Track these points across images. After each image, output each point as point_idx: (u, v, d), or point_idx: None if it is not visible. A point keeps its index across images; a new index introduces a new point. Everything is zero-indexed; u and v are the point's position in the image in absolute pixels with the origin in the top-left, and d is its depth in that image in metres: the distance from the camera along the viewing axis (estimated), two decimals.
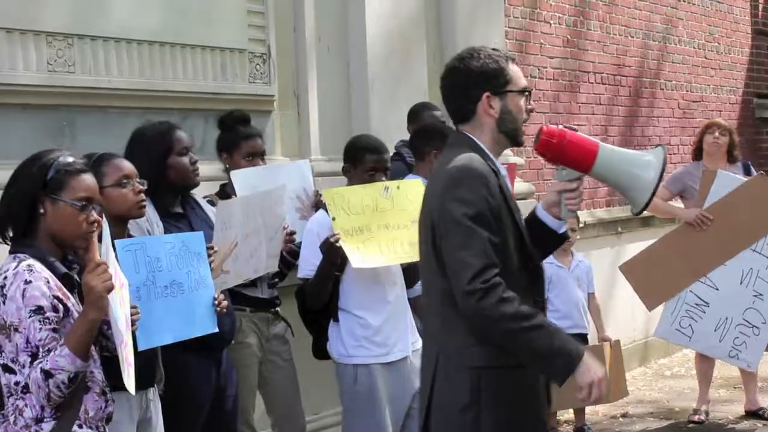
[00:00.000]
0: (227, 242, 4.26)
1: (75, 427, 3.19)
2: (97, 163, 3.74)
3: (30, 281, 3.13)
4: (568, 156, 3.47)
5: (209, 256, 4.01)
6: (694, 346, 7.04)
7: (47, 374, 3.07)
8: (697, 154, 7.27)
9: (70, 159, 3.32)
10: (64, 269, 3.27)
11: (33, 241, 3.26)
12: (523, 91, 3.44)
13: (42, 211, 3.25)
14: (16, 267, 3.16)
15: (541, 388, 3.44)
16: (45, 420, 3.15)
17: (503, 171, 3.47)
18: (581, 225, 7.19)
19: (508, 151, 7.63)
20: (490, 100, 3.39)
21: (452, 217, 3.24)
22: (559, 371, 3.25)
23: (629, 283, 6.93)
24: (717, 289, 6.74)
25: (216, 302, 3.95)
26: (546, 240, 3.56)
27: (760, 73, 12.30)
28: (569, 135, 3.46)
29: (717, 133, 7.13)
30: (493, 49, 3.49)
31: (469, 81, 3.41)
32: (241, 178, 4.73)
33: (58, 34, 4.97)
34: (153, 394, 3.90)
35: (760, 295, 6.74)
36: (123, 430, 3.70)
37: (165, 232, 4.13)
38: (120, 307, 3.27)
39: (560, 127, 3.49)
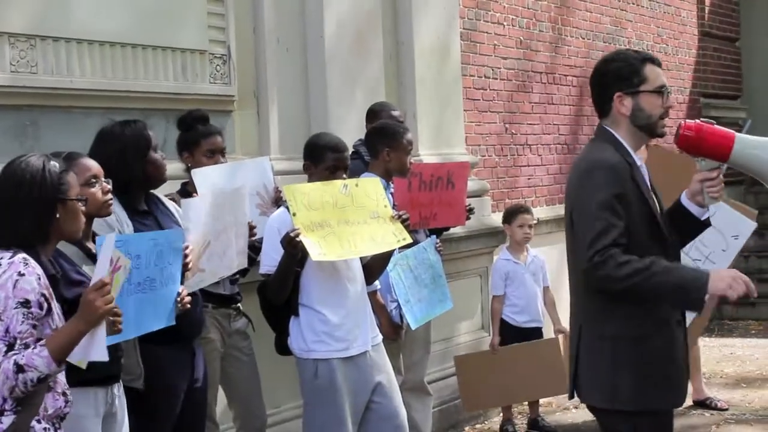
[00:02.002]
0: (200, 240, 4.31)
1: (33, 422, 3.23)
2: (65, 163, 3.79)
3: (23, 274, 3.19)
4: (706, 147, 3.78)
5: (186, 256, 4.07)
6: None
7: (20, 368, 3.12)
8: None
9: (55, 160, 3.42)
10: (53, 270, 3.35)
11: (43, 245, 3.34)
12: (658, 91, 3.79)
13: (58, 215, 3.35)
14: (11, 257, 3.23)
15: (677, 351, 3.82)
16: (5, 413, 3.19)
17: (639, 162, 3.83)
18: (534, 221, 7.32)
19: (463, 149, 7.78)
20: (622, 99, 3.80)
21: (582, 204, 3.72)
22: (693, 301, 3.58)
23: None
24: None
25: (179, 298, 3.98)
26: (690, 226, 3.96)
27: (706, 73, 12.55)
28: (706, 128, 3.78)
29: None
30: (635, 51, 3.93)
31: (605, 81, 3.86)
32: (201, 175, 4.74)
33: (20, 35, 5.00)
34: (118, 389, 3.93)
35: None
36: (88, 424, 3.74)
37: (135, 231, 4.17)
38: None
39: (697, 121, 3.82)
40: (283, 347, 4.94)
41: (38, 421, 3.26)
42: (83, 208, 3.45)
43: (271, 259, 4.71)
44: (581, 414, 7.37)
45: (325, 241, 4.62)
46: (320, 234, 4.62)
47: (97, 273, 3.25)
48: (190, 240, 4.20)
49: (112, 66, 5.43)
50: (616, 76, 3.84)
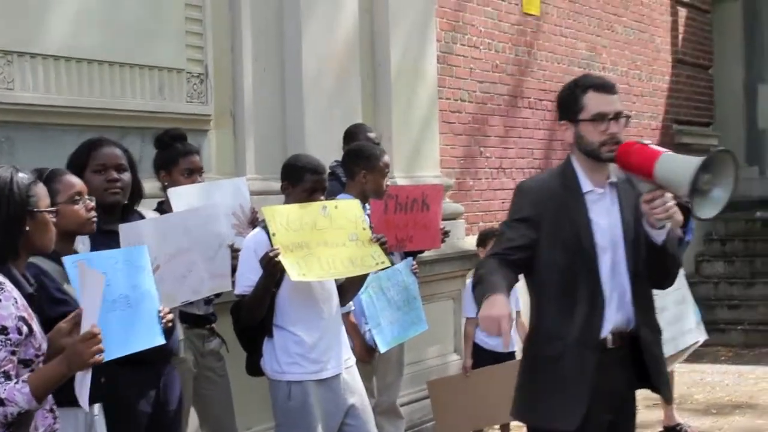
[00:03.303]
0: None
1: None
2: (48, 179, 3.73)
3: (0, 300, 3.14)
4: (633, 165, 3.72)
5: None
6: None
7: (0, 402, 3.07)
8: None
9: (24, 172, 3.36)
10: (30, 289, 3.29)
11: (14, 260, 3.27)
12: (594, 119, 3.81)
13: (27, 228, 3.28)
14: None
15: (583, 375, 3.83)
16: None
17: (586, 188, 3.87)
18: None
19: (438, 172, 7.80)
20: (566, 128, 3.93)
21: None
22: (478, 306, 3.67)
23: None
24: None
25: (161, 314, 3.86)
26: (653, 253, 3.86)
27: (679, 100, 12.66)
28: (636, 147, 3.72)
29: None
30: (586, 78, 4.00)
31: (558, 111, 4.00)
32: (178, 195, 4.72)
33: None
34: (98, 410, 3.91)
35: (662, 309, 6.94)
36: None
37: (92, 250, 4.07)
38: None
39: (639, 141, 3.76)
40: (254, 368, 4.92)
41: None
42: (54, 219, 3.39)
43: (246, 280, 4.69)
44: None
45: (305, 261, 4.61)
46: (299, 255, 4.61)
47: (87, 313, 3.19)
48: None
49: (89, 83, 5.41)
50: (560, 105, 3.97)
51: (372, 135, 6.22)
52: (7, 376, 3.13)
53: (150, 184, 5.02)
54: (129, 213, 4.36)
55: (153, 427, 4.32)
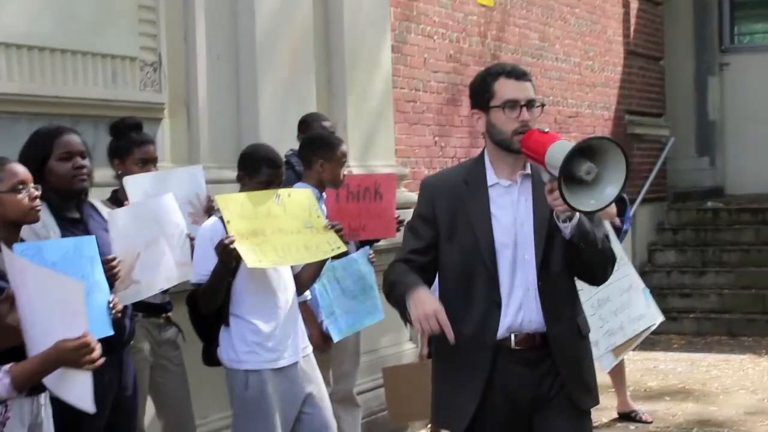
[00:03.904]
0: (130, 251, 4.24)
1: None
2: None
3: None
4: (531, 153, 3.56)
5: (114, 267, 4.01)
6: None
7: None
8: None
9: None
10: None
11: None
12: (504, 106, 3.65)
13: None
14: None
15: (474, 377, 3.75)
16: None
17: (491, 181, 3.73)
18: None
19: (393, 161, 7.80)
20: (477, 116, 3.76)
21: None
22: (408, 318, 3.64)
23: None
24: None
25: (111, 305, 3.87)
26: (569, 249, 3.65)
27: (631, 91, 12.75)
28: (535, 134, 3.57)
29: None
30: (495, 65, 3.83)
31: (470, 99, 3.83)
32: (133, 183, 4.70)
33: None
34: (44, 399, 3.87)
35: (606, 300, 7.00)
36: None
37: (62, 237, 4.08)
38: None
39: (541, 129, 3.60)
40: (210, 358, 4.90)
41: None
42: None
43: (202, 268, 4.65)
44: None
45: (260, 248, 4.60)
46: (255, 242, 4.60)
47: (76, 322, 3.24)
48: (116, 251, 4.14)
49: (41, 71, 5.35)
50: (472, 93, 3.82)
51: (327, 124, 6.21)
52: None
53: (102, 173, 4.99)
54: (81, 202, 4.34)
55: (113, 413, 4.33)
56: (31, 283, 3.37)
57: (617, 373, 7.49)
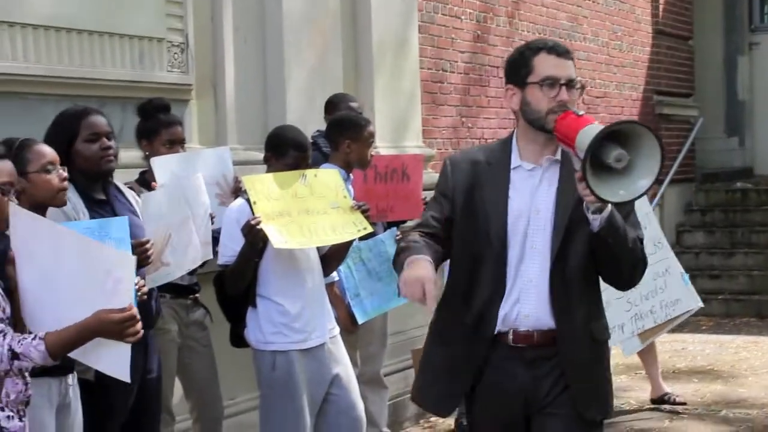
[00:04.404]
0: (161, 234, 4.25)
1: None
2: (20, 149, 3.71)
3: None
4: (562, 137, 3.31)
5: (147, 250, 4.01)
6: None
7: (15, 355, 3.12)
8: None
9: None
10: None
11: None
12: (543, 83, 3.39)
13: None
14: None
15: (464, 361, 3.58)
16: None
17: (516, 163, 3.50)
18: None
19: (420, 142, 7.78)
20: (512, 93, 3.50)
21: None
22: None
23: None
24: None
25: (136, 287, 3.81)
26: (595, 244, 3.38)
27: (659, 71, 12.65)
28: (570, 117, 3.31)
29: None
30: (536, 40, 3.58)
31: (505, 75, 3.58)
32: (161, 164, 4.72)
33: None
34: (72, 380, 3.88)
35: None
36: (43, 415, 3.69)
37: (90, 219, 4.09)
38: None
39: (576, 112, 3.35)
40: (238, 339, 4.91)
41: (1, 409, 3.23)
42: (5, 198, 3.33)
43: (229, 250, 4.67)
44: None
45: (286, 229, 4.60)
46: (281, 223, 4.60)
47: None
48: (149, 233, 4.15)
49: (69, 52, 5.36)
50: (508, 68, 3.56)
51: (354, 104, 6.19)
52: (4, 322, 3.17)
53: (130, 154, 5.00)
54: (108, 183, 4.35)
55: (138, 395, 4.34)
56: (67, 251, 3.34)
57: (649, 357, 7.39)
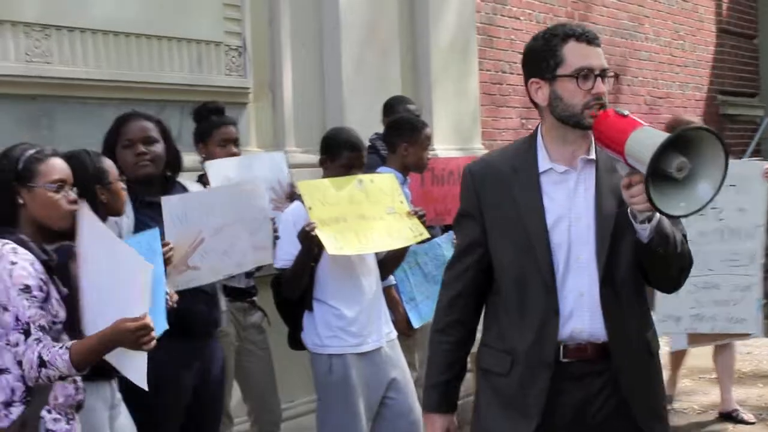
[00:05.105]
0: (187, 238, 4.20)
1: (44, 412, 3.23)
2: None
3: (15, 262, 3.18)
4: (605, 140, 2.96)
5: (165, 253, 3.94)
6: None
7: (43, 363, 3.14)
8: None
9: (36, 149, 3.38)
10: (44, 256, 3.30)
11: (15, 229, 3.30)
12: (577, 75, 3.04)
13: (21, 201, 3.31)
14: (0, 249, 3.21)
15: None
16: (14, 404, 3.20)
17: (543, 166, 3.13)
18: None
19: (479, 144, 7.73)
20: (539, 86, 3.11)
21: None
22: None
23: None
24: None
25: (167, 296, 3.80)
26: (643, 253, 3.05)
27: (723, 70, 12.49)
28: (612, 116, 2.96)
29: None
30: (560, 26, 3.15)
31: (524, 66, 3.20)
32: (215, 169, 4.72)
33: (35, 24, 4.98)
34: (115, 382, 3.90)
35: (713, 286, 6.69)
36: (99, 416, 3.74)
37: (137, 222, 4.13)
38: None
39: (616, 110, 3.00)
40: (296, 341, 4.91)
41: (48, 411, 3.26)
42: (56, 196, 3.36)
43: (286, 254, 4.67)
44: None
45: (342, 235, 4.59)
46: (336, 228, 4.59)
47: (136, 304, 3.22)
48: (169, 237, 4.05)
49: (128, 56, 5.41)
50: (530, 59, 3.15)
51: (412, 107, 6.17)
52: (44, 330, 3.18)
53: (190, 158, 5.02)
54: (170, 185, 4.38)
55: (196, 399, 4.36)
56: (103, 252, 3.35)
57: (726, 366, 7.16)
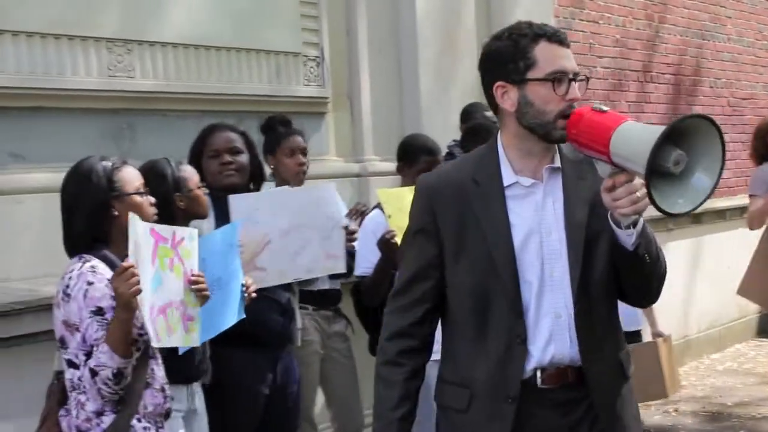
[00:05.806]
0: (255, 238, 4.20)
1: (134, 421, 3.28)
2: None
3: (92, 282, 3.23)
4: (584, 141, 2.64)
5: None
6: None
7: (93, 372, 3.18)
8: (761, 156, 6.63)
9: (109, 159, 3.43)
10: None
11: (105, 244, 3.35)
12: (551, 78, 2.74)
13: (116, 213, 3.35)
14: (80, 267, 3.26)
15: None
16: (105, 413, 3.24)
17: (508, 180, 2.83)
18: None
19: None
20: (503, 90, 2.80)
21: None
22: None
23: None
24: None
25: (244, 289, 3.81)
26: (627, 263, 2.76)
27: None
28: (588, 115, 2.63)
29: None
30: (526, 24, 2.82)
31: (486, 68, 2.86)
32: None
33: (117, 40, 5.08)
34: (197, 386, 3.97)
35: None
36: (174, 422, 3.72)
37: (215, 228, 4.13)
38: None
39: (596, 107, 2.66)
40: (376, 348, 4.90)
41: (138, 420, 3.30)
42: (142, 200, 3.42)
43: (366, 261, 4.69)
44: (681, 418, 7.23)
45: None
46: None
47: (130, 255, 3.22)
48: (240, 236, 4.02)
49: (207, 69, 5.49)
50: (494, 60, 2.82)
51: (489, 113, 6.13)
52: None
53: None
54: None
55: (273, 408, 4.39)
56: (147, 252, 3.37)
57: None
